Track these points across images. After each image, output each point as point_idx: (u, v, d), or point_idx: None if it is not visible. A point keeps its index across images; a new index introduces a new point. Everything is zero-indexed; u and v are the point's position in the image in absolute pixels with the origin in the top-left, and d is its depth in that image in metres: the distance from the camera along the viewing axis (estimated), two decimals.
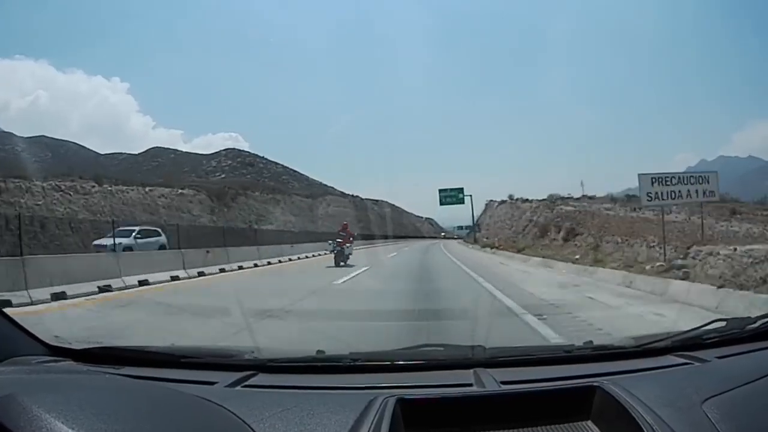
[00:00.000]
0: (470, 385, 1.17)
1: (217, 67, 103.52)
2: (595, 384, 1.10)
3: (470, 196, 48.53)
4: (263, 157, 71.50)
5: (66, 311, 6.85)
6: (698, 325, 1.48)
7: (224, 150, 71.08)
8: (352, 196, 68.21)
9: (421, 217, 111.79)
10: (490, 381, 1.18)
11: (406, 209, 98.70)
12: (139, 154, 65.68)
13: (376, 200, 78.23)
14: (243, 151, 72.51)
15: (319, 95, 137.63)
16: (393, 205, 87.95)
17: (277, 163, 71.60)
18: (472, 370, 1.25)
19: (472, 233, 58.48)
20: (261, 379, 1.25)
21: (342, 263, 14.73)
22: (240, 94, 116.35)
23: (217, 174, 60.87)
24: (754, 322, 1.44)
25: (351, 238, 16.27)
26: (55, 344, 1.36)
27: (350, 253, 15.57)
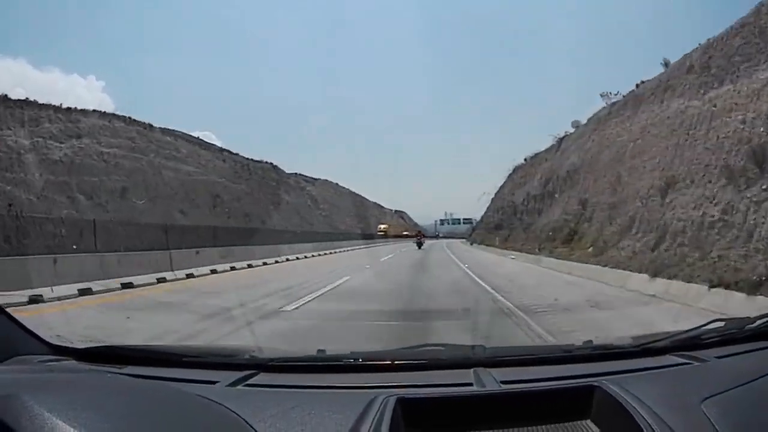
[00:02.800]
0: (470, 384, 1.17)
1: (192, 66, 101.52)
2: (594, 384, 1.10)
3: None
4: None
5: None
6: (698, 325, 1.48)
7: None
8: (262, 162, 43.59)
9: (390, 210, 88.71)
10: (490, 380, 1.18)
11: (367, 197, 74.58)
12: None
13: (314, 178, 56.70)
14: (167, 129, 57.91)
15: (295, 89, 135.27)
16: (342, 187, 63.74)
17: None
18: (472, 370, 1.25)
19: (475, 231, 43.39)
20: (262, 378, 1.25)
21: (420, 247, 30.61)
22: (215, 93, 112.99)
23: None
24: (753, 322, 1.45)
25: (423, 236, 36.34)
26: (57, 343, 1.36)
27: (424, 242, 33.70)
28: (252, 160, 42.11)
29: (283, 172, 47.55)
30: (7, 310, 1.25)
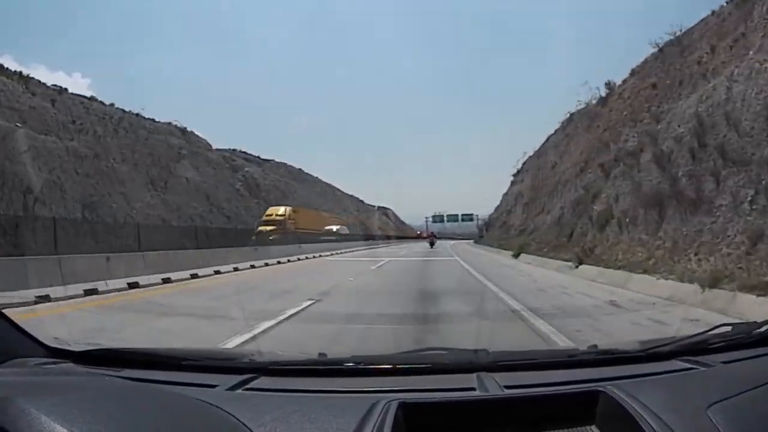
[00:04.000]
0: (473, 389, 1.16)
1: (179, 62, 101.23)
2: (599, 389, 1.09)
3: None
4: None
5: None
6: (704, 330, 1.46)
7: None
8: (155, 120, 29.92)
9: (372, 206, 77.97)
10: (494, 385, 1.17)
11: (340, 189, 65.54)
12: None
13: (263, 159, 44.45)
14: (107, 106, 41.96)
15: (286, 89, 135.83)
16: (307, 173, 53.28)
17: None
18: (475, 374, 1.24)
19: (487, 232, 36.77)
20: (262, 382, 1.24)
21: (432, 247, 34.51)
22: (203, 91, 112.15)
23: None
24: (760, 327, 1.43)
25: (435, 237, 40.98)
26: (55, 346, 1.35)
27: (436, 242, 38.42)
28: (136, 114, 27.70)
29: (202, 143, 34.68)
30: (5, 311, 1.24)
